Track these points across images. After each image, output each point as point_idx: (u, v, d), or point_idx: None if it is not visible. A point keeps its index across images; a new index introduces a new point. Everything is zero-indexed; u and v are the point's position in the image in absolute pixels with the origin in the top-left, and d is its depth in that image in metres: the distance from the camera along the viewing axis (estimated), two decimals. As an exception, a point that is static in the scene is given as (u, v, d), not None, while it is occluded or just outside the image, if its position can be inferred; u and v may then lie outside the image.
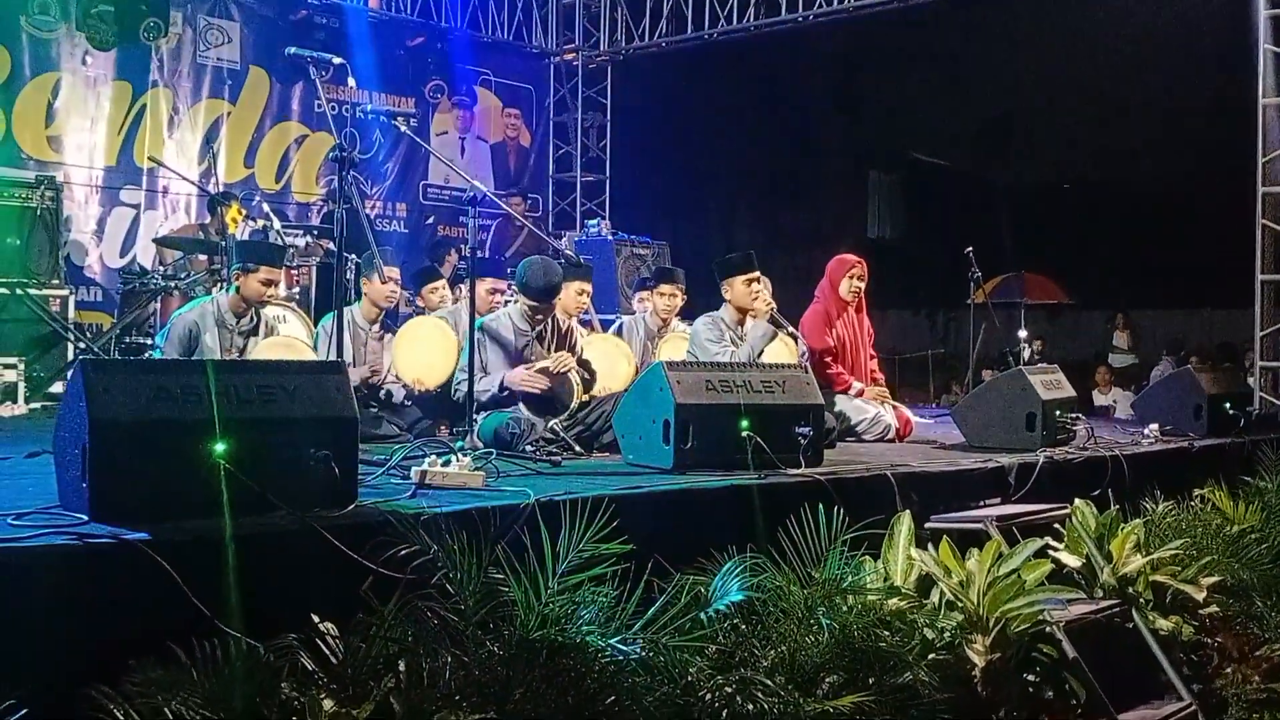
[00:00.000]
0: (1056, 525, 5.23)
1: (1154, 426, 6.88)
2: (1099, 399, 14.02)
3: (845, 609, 3.94)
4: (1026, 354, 13.86)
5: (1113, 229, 18.74)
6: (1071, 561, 5.05)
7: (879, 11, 11.50)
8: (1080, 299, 18.85)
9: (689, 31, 12.44)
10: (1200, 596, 5.07)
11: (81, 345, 7.60)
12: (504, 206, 6.16)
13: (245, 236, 7.87)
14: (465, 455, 4.31)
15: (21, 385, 7.17)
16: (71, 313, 7.92)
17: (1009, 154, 20.89)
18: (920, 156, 21.78)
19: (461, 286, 7.31)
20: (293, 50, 5.11)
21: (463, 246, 10.62)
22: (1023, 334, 15.54)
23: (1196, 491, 6.11)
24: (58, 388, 7.31)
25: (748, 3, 11.92)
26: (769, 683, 3.46)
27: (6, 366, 7.14)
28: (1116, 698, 4.51)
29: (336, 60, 4.98)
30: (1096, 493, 5.66)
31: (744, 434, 4.72)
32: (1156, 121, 17.34)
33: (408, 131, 5.27)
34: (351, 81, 5.52)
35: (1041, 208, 20.05)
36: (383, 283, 6.34)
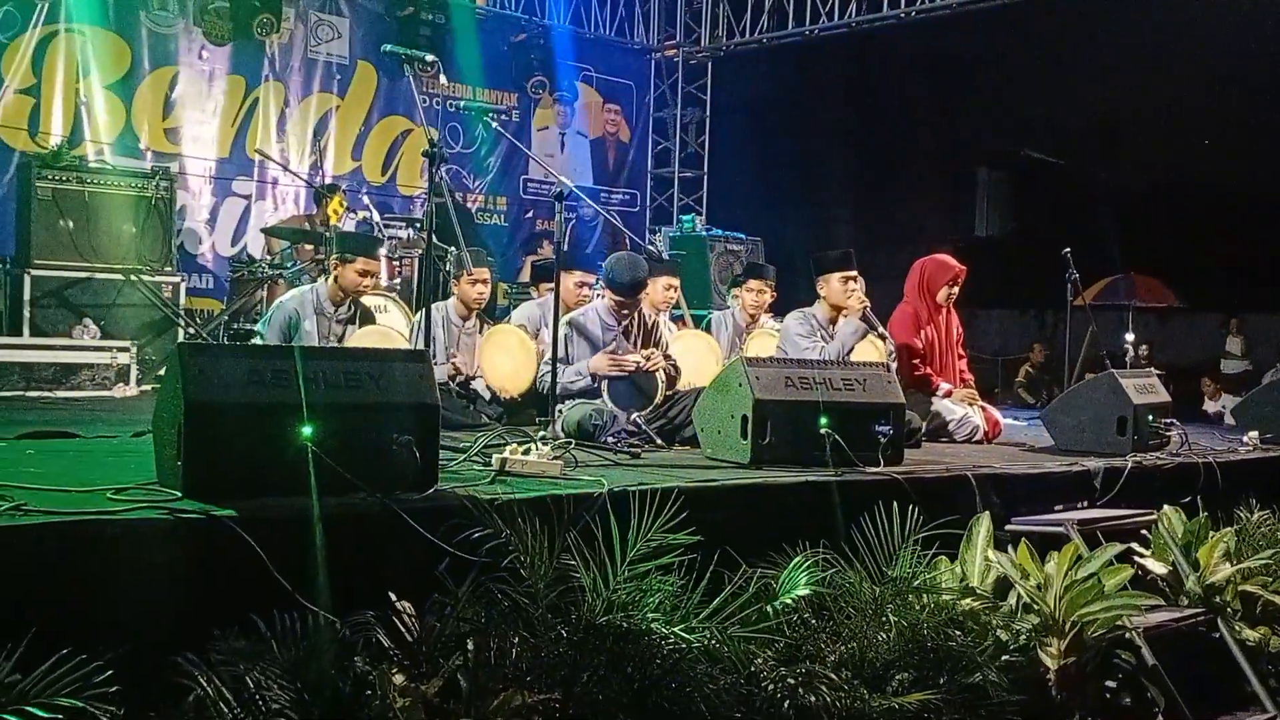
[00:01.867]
0: (1143, 531, 5.15)
1: (1254, 434, 6.70)
2: (1210, 406, 13.67)
3: (918, 608, 3.94)
4: (1131, 357, 13.57)
5: (1227, 230, 18.19)
6: (1157, 568, 4.98)
7: (983, 8, 11.35)
8: (1192, 301, 18.32)
9: (790, 28, 12.44)
10: (1291, 608, 4.95)
11: (191, 330, 7.89)
12: (589, 203, 6.23)
13: (351, 228, 8.11)
14: (545, 444, 4.40)
15: (134, 368, 7.46)
16: (183, 299, 8.23)
17: (1121, 152, 20.39)
18: (1032, 154, 21.37)
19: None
20: (388, 47, 5.26)
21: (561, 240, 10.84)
22: (1129, 337, 15.22)
23: (1295, 501, 5.95)
24: (168, 371, 7.59)
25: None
26: (834, 677, 3.49)
27: (120, 350, 7.43)
28: (1198, 707, 4.45)
29: (430, 57, 5.11)
30: (1187, 500, 5.55)
31: (823, 431, 4.74)
32: (1274, 120, 16.78)
33: (497, 127, 5.41)
34: (443, 78, 5.63)
35: (1153, 207, 19.54)
36: (470, 284, 6.46)
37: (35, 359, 7.21)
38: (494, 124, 5.32)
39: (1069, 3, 11.72)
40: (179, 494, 3.31)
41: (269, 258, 8.72)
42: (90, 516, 3.00)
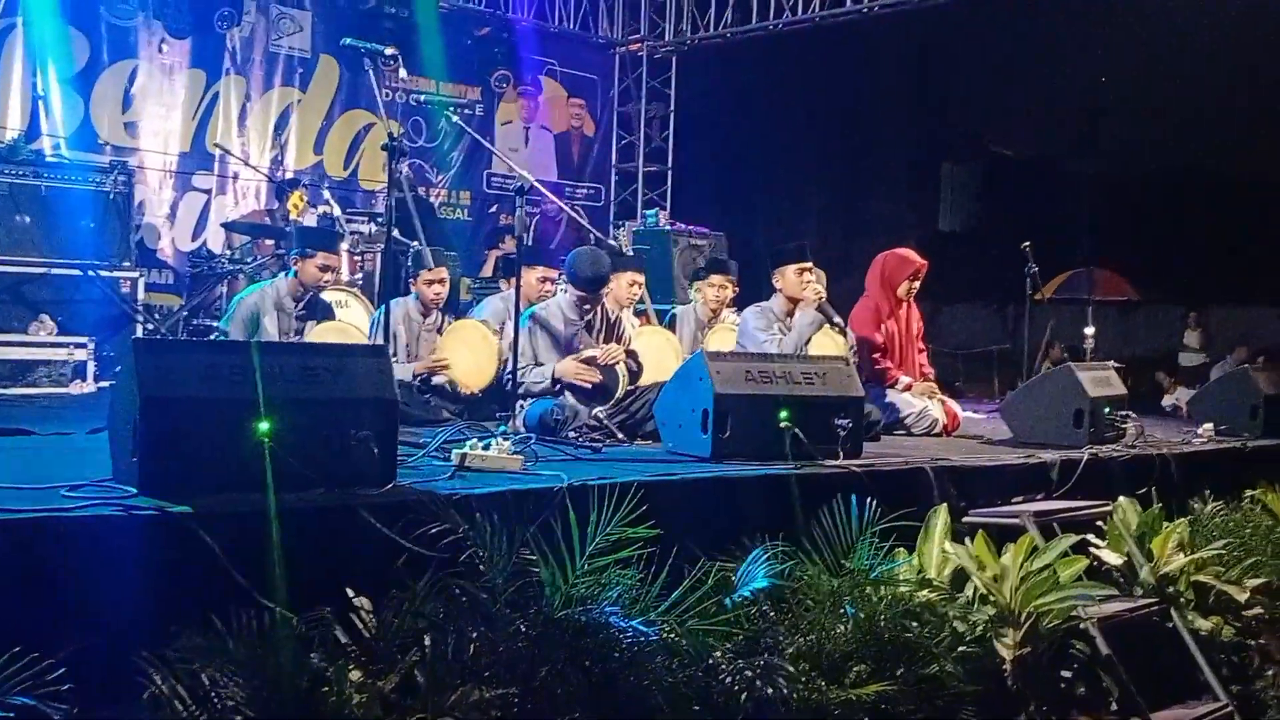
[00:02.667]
0: (1099, 523, 5.22)
1: (1208, 426, 6.80)
2: (1167, 400, 13.81)
3: (875, 599, 3.98)
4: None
5: (1186, 224, 18.40)
6: (1112, 559, 5.04)
7: (946, 2, 11.43)
8: (1151, 295, 18.52)
9: (754, 22, 12.46)
10: (1243, 598, 5.04)
11: (150, 326, 7.81)
12: (551, 198, 6.22)
13: (312, 223, 8.06)
14: (506, 439, 4.40)
15: (91, 364, 7.39)
16: (141, 294, 8.13)
17: (1085, 147, 20.57)
18: (996, 148, 21.51)
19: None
20: (347, 41, 5.25)
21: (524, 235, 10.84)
22: (1089, 330, 15.36)
23: (1248, 492, 6.04)
24: (126, 367, 7.52)
25: (813, -7, 11.93)
26: (791, 669, 3.51)
27: (77, 346, 7.36)
28: (1152, 696, 4.52)
29: (389, 50, 5.09)
30: (1142, 491, 5.62)
31: (783, 425, 4.77)
32: (1236, 117, 17.00)
33: (459, 122, 5.38)
34: (402, 72, 5.61)
35: (1113, 202, 19.74)
36: (426, 284, 6.45)
37: (-10, 356, 7.14)
38: (455, 118, 5.30)
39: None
40: (134, 490, 3.30)
41: (229, 253, 8.66)
42: (44, 513, 2.98)
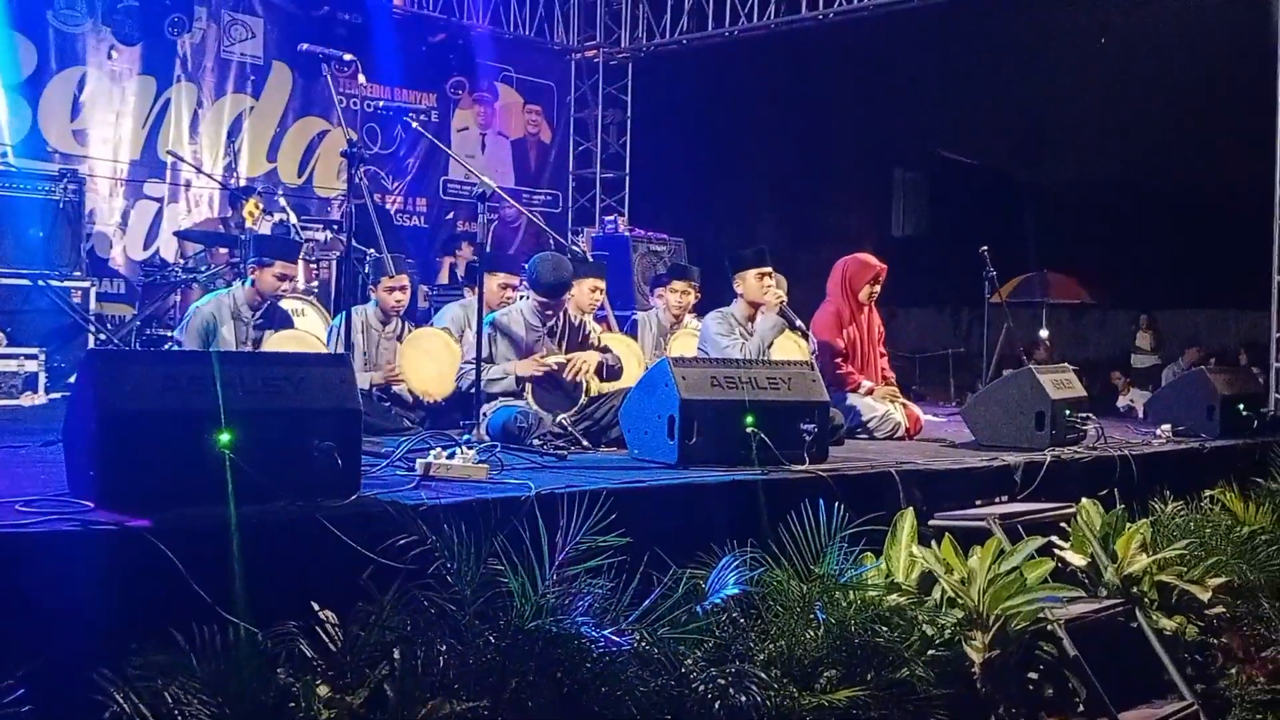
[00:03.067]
0: (1063, 524, 5.25)
1: (1166, 427, 6.86)
2: (1121, 401, 13.96)
3: (845, 604, 3.97)
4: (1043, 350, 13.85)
5: (1139, 229, 18.63)
6: (1076, 560, 5.07)
7: (901, 9, 11.48)
8: (1105, 299, 18.73)
9: (710, 29, 12.46)
10: (1205, 597, 5.07)
11: (102, 337, 7.68)
12: (513, 204, 6.18)
13: (267, 231, 7.95)
14: (470, 448, 4.35)
15: (42, 376, 7.26)
16: (93, 304, 8.00)
17: (1036, 153, 20.78)
18: (948, 154, 21.69)
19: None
20: (305, 46, 5.19)
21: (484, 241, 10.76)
22: (1044, 333, 15.49)
23: (1207, 492, 6.10)
24: (78, 378, 7.38)
25: (768, 0, 11.94)
26: (763, 675, 3.49)
27: (28, 357, 7.22)
28: (1118, 697, 4.53)
29: (347, 56, 5.04)
30: (1104, 492, 5.65)
31: (749, 430, 4.75)
32: (1187, 124, 17.23)
33: (419, 128, 5.34)
34: (361, 78, 5.55)
35: (1069, 207, 19.95)
36: (387, 291, 6.39)
37: (-61, 368, 6.99)
38: (414, 124, 5.27)
39: (986, 6, 11.90)
40: (92, 504, 3.23)
41: (182, 262, 8.52)
42: (-1, 529, 2.90)
